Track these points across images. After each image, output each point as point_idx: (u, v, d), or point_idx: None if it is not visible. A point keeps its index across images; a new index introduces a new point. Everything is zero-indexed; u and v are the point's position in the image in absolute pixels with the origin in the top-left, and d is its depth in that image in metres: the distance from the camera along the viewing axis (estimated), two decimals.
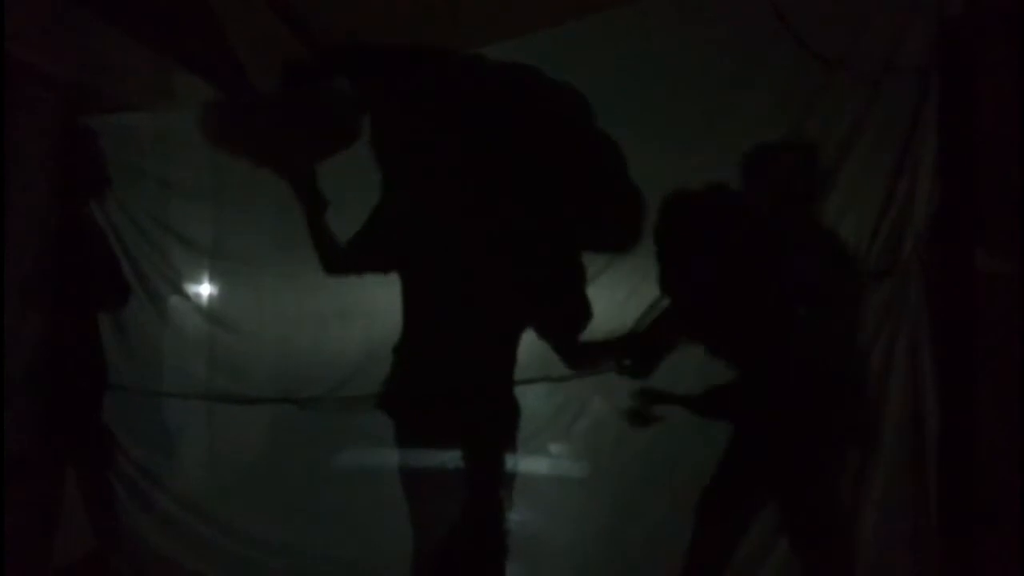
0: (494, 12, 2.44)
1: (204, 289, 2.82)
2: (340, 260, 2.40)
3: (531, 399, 2.38)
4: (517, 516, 2.37)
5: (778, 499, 2.20)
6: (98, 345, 2.70)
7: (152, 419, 2.76)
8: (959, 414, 2.11)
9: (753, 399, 2.21)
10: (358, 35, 2.50)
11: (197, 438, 2.84)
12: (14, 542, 2.40)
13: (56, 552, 2.64)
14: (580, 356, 2.35)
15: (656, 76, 2.27)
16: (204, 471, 2.86)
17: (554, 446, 2.49)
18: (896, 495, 2.14)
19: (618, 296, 2.34)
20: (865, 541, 2.15)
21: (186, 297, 2.77)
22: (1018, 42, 2.02)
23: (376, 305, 2.49)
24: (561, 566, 2.46)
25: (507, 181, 2.29)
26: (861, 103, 2.15)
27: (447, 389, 2.30)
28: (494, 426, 2.35)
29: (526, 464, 2.41)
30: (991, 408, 2.08)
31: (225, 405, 2.68)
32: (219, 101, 2.59)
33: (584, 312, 2.31)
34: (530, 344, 2.37)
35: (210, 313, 2.79)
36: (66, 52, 2.66)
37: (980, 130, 2.11)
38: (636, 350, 2.30)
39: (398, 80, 2.38)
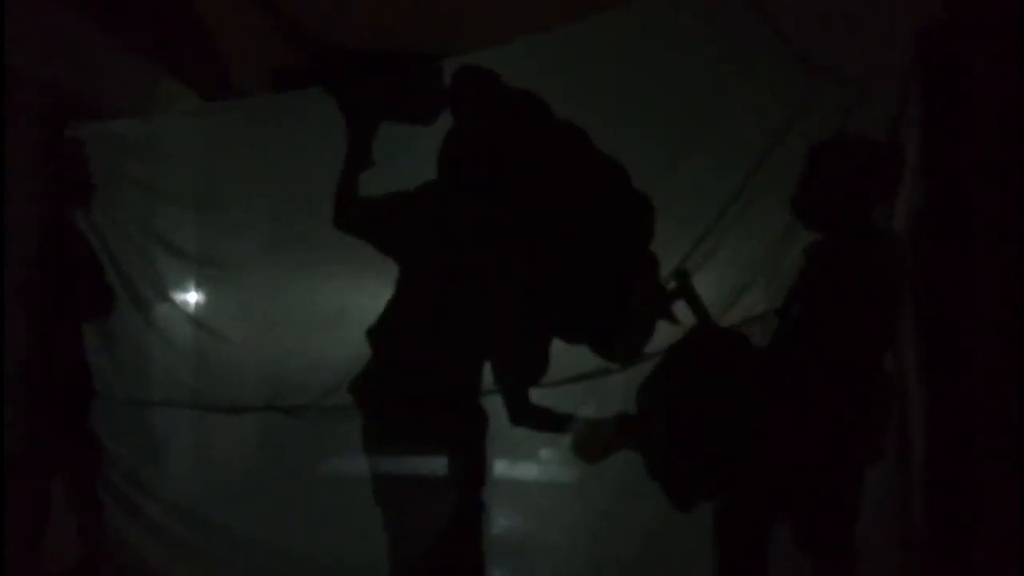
0: (486, 14, 2.46)
1: (191, 296, 2.79)
2: (352, 217, 2.34)
3: None
4: (507, 521, 2.37)
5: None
6: (84, 352, 2.67)
7: (139, 426, 2.74)
8: (947, 415, 2.12)
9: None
10: (351, 39, 2.50)
11: (185, 445, 2.82)
12: (4, 549, 2.37)
13: (46, 560, 2.60)
14: (524, 415, 2.33)
15: (644, 79, 2.29)
16: (192, 478, 2.83)
17: (544, 451, 2.48)
18: (884, 498, 2.16)
19: None
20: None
21: (173, 304, 2.74)
22: (1001, 45, 2.05)
23: (364, 313, 2.47)
24: (552, 571, 2.45)
25: (538, 226, 2.29)
26: (845, 105, 2.17)
27: (413, 387, 2.28)
28: (460, 432, 2.33)
29: (516, 469, 2.41)
30: (981, 409, 2.09)
31: (212, 412, 2.66)
32: None
33: (541, 368, 2.32)
34: None
35: (197, 320, 2.76)
36: (53, 58, 2.65)
37: (964, 131, 2.13)
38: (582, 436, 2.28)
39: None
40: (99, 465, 2.67)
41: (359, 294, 2.53)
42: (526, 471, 2.43)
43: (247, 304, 2.72)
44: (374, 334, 2.32)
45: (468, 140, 2.31)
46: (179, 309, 2.75)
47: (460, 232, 2.30)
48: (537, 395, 2.36)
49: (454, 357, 2.32)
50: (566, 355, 2.37)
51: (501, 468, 2.36)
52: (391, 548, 2.27)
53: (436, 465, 2.29)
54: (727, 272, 2.28)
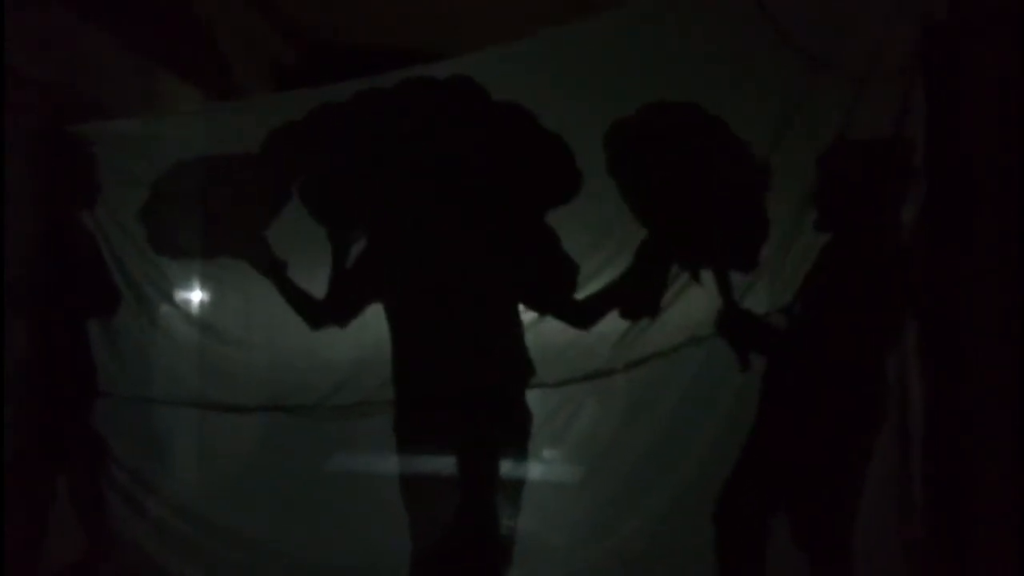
0: (480, 15, 2.46)
1: (194, 296, 2.80)
2: (322, 315, 2.46)
3: None
4: (509, 520, 2.37)
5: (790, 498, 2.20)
6: (88, 352, 2.68)
7: (144, 426, 2.74)
8: (945, 413, 2.12)
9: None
10: (349, 37, 2.51)
11: (189, 445, 2.82)
12: (6, 548, 2.38)
13: (48, 558, 2.62)
14: (584, 313, 2.35)
15: (644, 79, 2.28)
16: (196, 477, 2.84)
17: (548, 450, 2.48)
18: (884, 498, 2.16)
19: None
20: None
21: (176, 304, 2.75)
22: (1002, 43, 2.04)
23: (366, 313, 2.48)
24: (556, 570, 2.46)
25: (455, 177, 2.33)
26: (846, 103, 2.15)
27: (449, 398, 2.33)
28: (501, 432, 2.36)
29: (519, 468, 2.41)
30: (978, 408, 2.09)
31: (216, 412, 2.66)
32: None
33: (569, 268, 2.32)
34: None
35: (200, 320, 2.77)
36: (53, 58, 2.64)
37: (965, 129, 2.13)
38: (632, 288, 2.29)
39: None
40: (103, 463, 2.68)
41: None
42: (530, 469, 2.43)
43: (250, 304, 2.72)
44: (399, 381, 2.38)
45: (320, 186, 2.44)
46: (182, 309, 2.76)
47: (407, 241, 2.37)
48: (538, 395, 2.38)
49: (482, 358, 2.35)
50: (567, 354, 2.39)
51: (504, 467, 2.37)
52: (418, 548, 2.32)
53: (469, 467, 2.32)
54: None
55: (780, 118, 2.20)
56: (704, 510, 2.21)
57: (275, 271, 2.48)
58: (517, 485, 2.34)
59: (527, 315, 2.39)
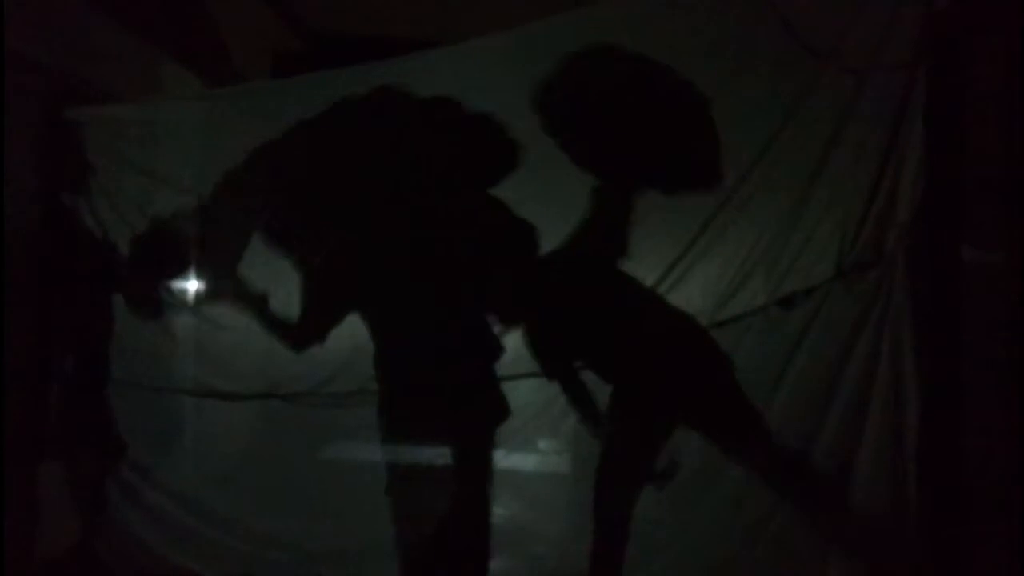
0: (482, 8, 2.46)
1: (190, 283, 2.79)
2: (303, 338, 2.50)
3: (519, 394, 2.39)
4: (504, 510, 2.38)
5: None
6: (92, 339, 2.68)
7: (139, 413, 2.73)
8: (942, 408, 2.11)
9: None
10: (351, 28, 2.52)
11: (185, 432, 2.81)
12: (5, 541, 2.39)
13: (44, 545, 2.63)
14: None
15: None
16: (192, 465, 2.82)
17: (542, 441, 2.49)
18: (878, 489, 2.15)
19: None
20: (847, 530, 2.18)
21: (171, 291, 2.73)
22: (1005, 36, 2.03)
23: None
24: (548, 560, 2.45)
25: (399, 178, 2.40)
26: (849, 96, 2.15)
27: (431, 389, 2.35)
28: (479, 422, 2.37)
29: (514, 459, 2.41)
30: (974, 402, 2.08)
31: (212, 399, 2.65)
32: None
33: (525, 228, 2.34)
34: (518, 339, 2.39)
35: (196, 307, 2.75)
36: (51, 41, 2.64)
37: (966, 123, 2.12)
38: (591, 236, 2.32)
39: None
40: (118, 451, 2.68)
41: None
42: (523, 460, 2.43)
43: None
44: (379, 373, 2.42)
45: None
46: (177, 296, 2.74)
47: (371, 250, 2.45)
48: (531, 385, 2.38)
49: (458, 351, 2.38)
50: None
51: (497, 457, 2.37)
52: (402, 537, 2.33)
53: (449, 456, 2.35)
54: (727, 264, 2.28)
55: (780, 111, 2.19)
56: (701, 499, 2.24)
57: (257, 303, 2.54)
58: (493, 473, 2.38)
59: None
